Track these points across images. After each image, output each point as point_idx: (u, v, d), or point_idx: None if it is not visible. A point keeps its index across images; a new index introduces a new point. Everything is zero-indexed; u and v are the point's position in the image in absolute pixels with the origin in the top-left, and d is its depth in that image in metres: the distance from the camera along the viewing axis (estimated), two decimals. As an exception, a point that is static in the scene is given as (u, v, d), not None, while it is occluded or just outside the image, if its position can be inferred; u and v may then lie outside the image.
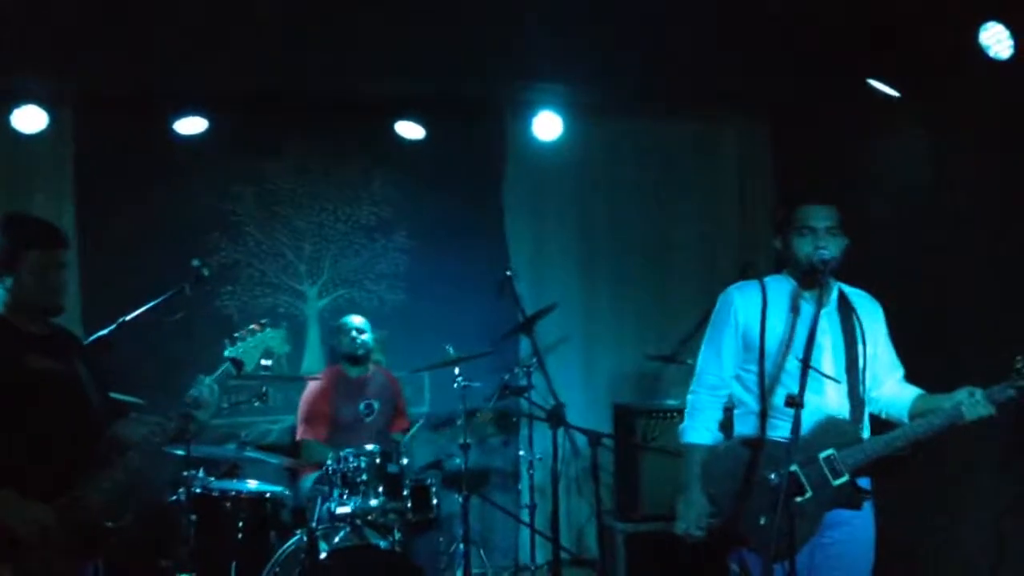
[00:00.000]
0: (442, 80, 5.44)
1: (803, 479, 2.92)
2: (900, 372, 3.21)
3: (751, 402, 3.07)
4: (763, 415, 2.96)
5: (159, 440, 2.97)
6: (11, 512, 2.70)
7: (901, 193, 4.99)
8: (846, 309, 3.08)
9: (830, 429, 2.97)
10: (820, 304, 2.87)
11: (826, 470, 2.93)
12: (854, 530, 2.99)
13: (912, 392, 3.14)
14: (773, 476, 2.79)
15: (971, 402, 2.88)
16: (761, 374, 3.02)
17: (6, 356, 2.86)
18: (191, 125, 5.46)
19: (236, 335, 3.19)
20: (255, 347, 3.18)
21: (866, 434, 3.04)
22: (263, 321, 3.28)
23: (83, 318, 5.16)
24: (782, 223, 3.10)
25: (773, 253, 3.18)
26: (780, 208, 3.18)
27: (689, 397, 3.22)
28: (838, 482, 2.91)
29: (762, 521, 2.80)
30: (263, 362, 3.31)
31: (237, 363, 3.14)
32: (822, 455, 2.93)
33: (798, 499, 2.90)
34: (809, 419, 2.92)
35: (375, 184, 6.03)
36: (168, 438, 3.01)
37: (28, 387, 2.86)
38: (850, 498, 2.94)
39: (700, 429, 3.13)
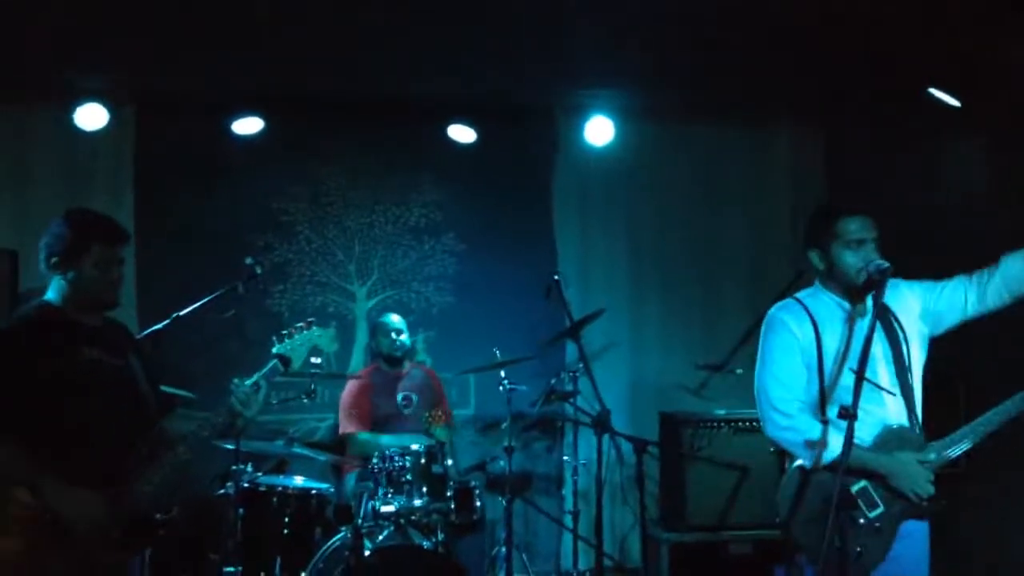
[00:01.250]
0: (494, 84, 5.45)
1: (873, 494, 2.89)
2: (963, 277, 3.06)
3: None
4: (849, 434, 2.70)
5: (207, 435, 3.02)
6: (62, 500, 2.76)
7: (959, 203, 4.88)
8: (883, 312, 3.00)
9: (891, 439, 2.93)
10: (876, 315, 2.81)
11: None
12: (912, 543, 2.95)
13: (1000, 264, 3.00)
14: (855, 487, 2.83)
15: None
16: (822, 391, 2.96)
17: (62, 347, 2.92)
18: (247, 125, 5.55)
19: (284, 332, 3.24)
20: (302, 344, 3.23)
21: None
22: (310, 319, 3.32)
23: (138, 312, 5.26)
24: (822, 236, 3.03)
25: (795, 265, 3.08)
26: (817, 220, 3.10)
27: (784, 435, 2.99)
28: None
29: (859, 550, 2.80)
30: (313, 360, 3.36)
31: (284, 360, 3.19)
32: None
33: (871, 514, 2.88)
34: (871, 432, 2.91)
35: (425, 186, 6.06)
36: (216, 433, 3.06)
37: (82, 378, 2.91)
38: (922, 505, 2.88)
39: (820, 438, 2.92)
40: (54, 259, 2.98)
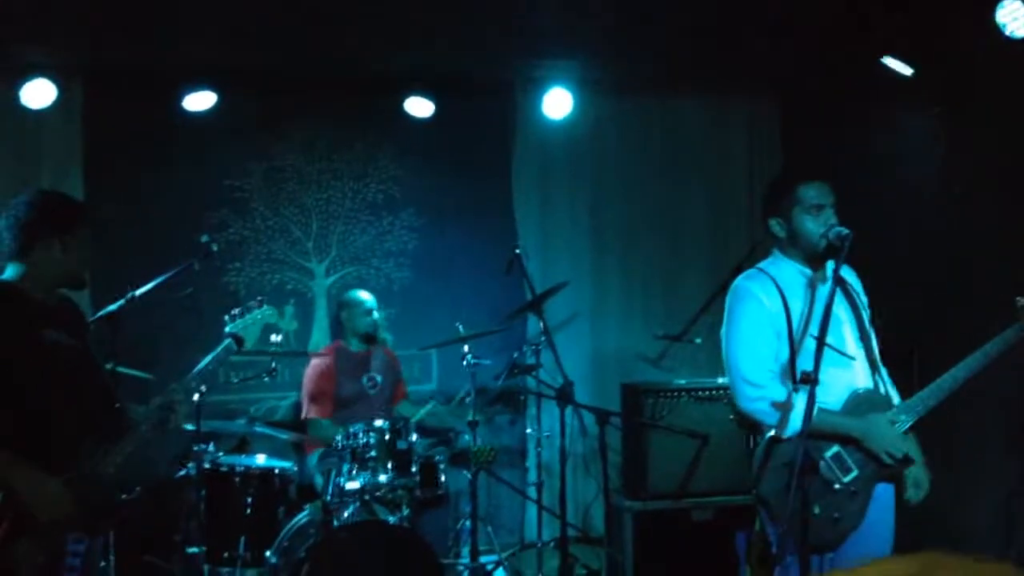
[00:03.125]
0: (452, 57, 5.40)
1: (847, 459, 2.93)
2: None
3: None
4: (811, 399, 2.70)
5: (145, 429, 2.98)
6: (29, 487, 2.72)
7: (914, 171, 4.95)
8: (841, 280, 3.03)
9: (860, 403, 2.98)
10: (836, 281, 2.84)
11: None
12: (881, 506, 2.99)
13: None
14: (828, 453, 2.89)
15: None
16: (792, 358, 2.96)
17: (26, 329, 2.86)
18: (200, 101, 5.42)
19: (235, 312, 3.25)
20: (253, 324, 3.24)
21: (896, 399, 3.05)
22: (260, 298, 3.32)
23: (92, 293, 5.14)
24: (782, 203, 3.05)
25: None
26: (777, 187, 3.12)
27: (755, 405, 2.98)
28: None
29: (816, 511, 2.83)
30: (273, 338, 3.36)
31: (238, 339, 3.20)
32: None
33: (845, 479, 2.92)
34: (840, 397, 2.96)
35: (383, 161, 6.00)
36: (151, 429, 3.01)
37: (45, 360, 2.87)
38: (894, 466, 2.93)
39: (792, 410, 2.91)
40: (24, 238, 2.92)
